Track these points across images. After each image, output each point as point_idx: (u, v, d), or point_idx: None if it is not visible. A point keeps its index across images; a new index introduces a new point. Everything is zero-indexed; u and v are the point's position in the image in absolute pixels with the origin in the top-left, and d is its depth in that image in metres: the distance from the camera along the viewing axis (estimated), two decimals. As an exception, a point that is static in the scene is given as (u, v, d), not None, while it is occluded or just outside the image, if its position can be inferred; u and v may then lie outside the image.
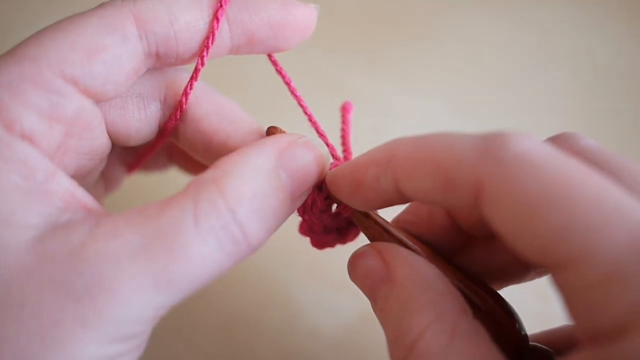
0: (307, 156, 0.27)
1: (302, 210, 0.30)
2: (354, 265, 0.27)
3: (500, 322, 0.26)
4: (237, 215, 0.24)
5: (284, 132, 0.30)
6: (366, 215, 0.29)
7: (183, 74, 0.31)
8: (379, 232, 0.28)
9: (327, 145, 0.31)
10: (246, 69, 0.54)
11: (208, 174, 0.25)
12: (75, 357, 0.21)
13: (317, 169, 0.28)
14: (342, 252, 0.38)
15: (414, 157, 0.23)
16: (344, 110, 0.34)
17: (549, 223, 0.19)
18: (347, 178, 0.26)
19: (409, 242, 0.28)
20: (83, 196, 0.25)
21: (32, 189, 0.23)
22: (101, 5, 0.27)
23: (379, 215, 0.29)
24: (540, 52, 0.62)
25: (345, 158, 0.33)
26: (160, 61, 0.28)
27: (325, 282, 0.44)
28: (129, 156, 0.37)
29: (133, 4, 0.27)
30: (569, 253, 0.19)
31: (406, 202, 0.26)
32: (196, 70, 0.29)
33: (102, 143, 0.29)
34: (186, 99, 0.30)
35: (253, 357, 0.41)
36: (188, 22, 0.27)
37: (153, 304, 0.23)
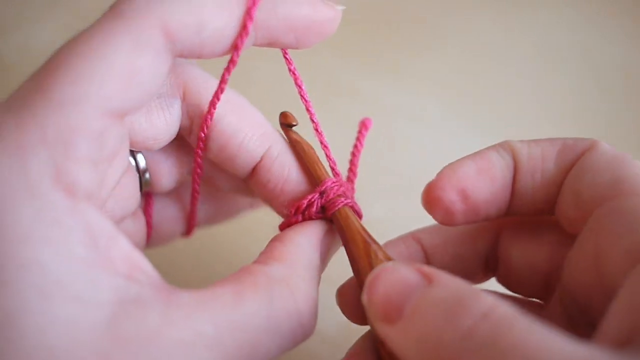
0: (334, 243, 0.31)
1: (295, 212, 0.30)
2: (377, 283, 0.24)
3: None
4: (303, 318, 0.26)
5: (296, 121, 0.31)
6: (346, 214, 0.29)
7: (198, 71, 0.31)
8: (356, 230, 0.28)
9: (329, 158, 0.32)
10: (254, 72, 0.54)
11: (276, 271, 0.26)
12: None
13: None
14: (342, 252, 0.38)
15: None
16: (363, 126, 0.33)
17: None
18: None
19: (377, 244, 0.28)
20: (141, 261, 0.24)
21: (97, 260, 0.22)
22: (125, 10, 0.24)
23: (355, 217, 0.30)
24: (539, 53, 0.62)
25: (349, 179, 0.32)
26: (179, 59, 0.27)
27: (325, 282, 0.44)
28: (180, 208, 0.36)
29: (161, 9, 0.24)
30: None
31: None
32: (220, 86, 0.29)
33: (126, 161, 0.28)
34: (214, 109, 0.29)
35: None
36: (216, 30, 0.26)
37: None
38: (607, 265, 0.23)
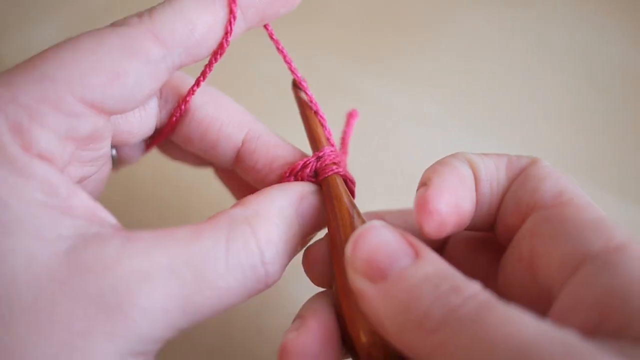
0: (319, 203, 0.29)
1: (289, 173, 0.30)
2: (365, 237, 0.24)
3: None
4: (264, 256, 0.25)
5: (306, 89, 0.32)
6: (335, 182, 0.29)
7: (178, 76, 0.32)
8: (341, 194, 0.29)
9: (324, 128, 0.32)
10: (246, 64, 0.55)
11: (239, 212, 0.26)
12: None
13: (323, 223, 0.29)
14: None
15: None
16: (350, 116, 0.35)
17: None
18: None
19: (359, 213, 0.28)
20: (103, 213, 0.25)
21: (57, 204, 0.23)
22: (118, 23, 0.26)
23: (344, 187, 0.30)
24: (535, 52, 0.62)
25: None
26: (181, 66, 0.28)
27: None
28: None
29: (149, 20, 0.26)
30: None
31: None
32: (204, 73, 0.30)
33: (107, 150, 0.29)
34: (190, 96, 0.30)
35: (253, 356, 0.41)
36: (207, 26, 0.27)
37: (174, 326, 0.24)
38: (542, 268, 0.24)
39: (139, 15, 0.27)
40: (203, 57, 0.28)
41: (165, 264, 0.23)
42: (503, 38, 0.63)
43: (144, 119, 0.31)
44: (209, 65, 0.30)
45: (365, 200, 0.49)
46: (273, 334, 0.42)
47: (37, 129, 0.24)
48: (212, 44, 0.28)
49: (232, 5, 0.27)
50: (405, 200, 0.40)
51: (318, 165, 0.30)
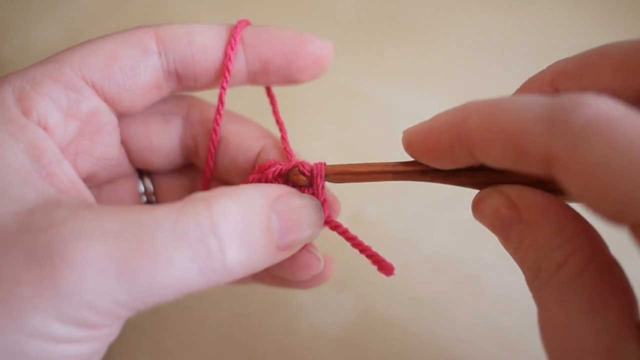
0: (300, 206, 0.27)
1: (256, 170, 0.30)
2: (480, 207, 0.27)
3: None
4: (218, 230, 0.24)
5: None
6: (337, 170, 0.29)
7: (204, 102, 0.33)
8: (358, 167, 0.30)
9: (288, 151, 0.32)
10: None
11: (202, 193, 0.25)
12: (21, 324, 0.21)
13: (308, 228, 0.27)
14: (342, 251, 0.38)
15: (485, 127, 0.23)
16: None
17: (619, 191, 0.19)
18: (421, 142, 0.28)
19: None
20: (83, 189, 0.26)
21: (37, 169, 0.25)
22: (127, 29, 0.30)
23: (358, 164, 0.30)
24: (540, 52, 0.62)
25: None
26: (180, 83, 0.30)
27: (328, 281, 0.44)
28: None
29: (156, 25, 0.30)
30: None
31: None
32: (220, 98, 0.31)
33: (115, 152, 0.31)
34: (218, 124, 0.31)
35: (253, 357, 0.41)
36: (205, 44, 0.30)
37: (112, 294, 0.22)
38: None
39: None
40: (201, 78, 0.30)
41: (110, 227, 0.23)
42: (504, 38, 0.63)
43: (165, 136, 0.32)
44: (220, 96, 0.31)
45: (365, 200, 0.49)
46: (273, 336, 0.42)
47: (37, 96, 0.26)
48: (208, 66, 0.30)
49: (234, 36, 0.30)
50: (406, 199, 0.40)
51: (284, 168, 0.29)
